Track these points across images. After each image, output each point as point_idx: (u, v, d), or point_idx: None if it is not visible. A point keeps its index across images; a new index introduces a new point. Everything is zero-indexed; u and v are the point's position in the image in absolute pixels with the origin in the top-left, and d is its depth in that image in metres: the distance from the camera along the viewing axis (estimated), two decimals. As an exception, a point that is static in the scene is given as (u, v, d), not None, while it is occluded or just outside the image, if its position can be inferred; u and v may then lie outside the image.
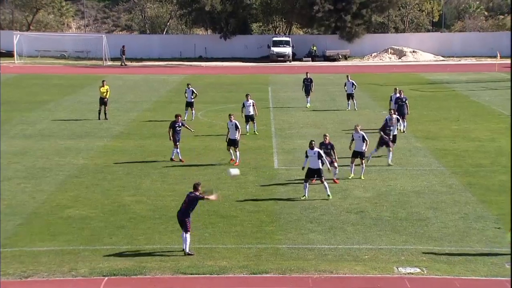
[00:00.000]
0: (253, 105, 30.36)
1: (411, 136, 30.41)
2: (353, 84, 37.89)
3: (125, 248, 16.61)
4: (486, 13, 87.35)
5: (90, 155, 26.64)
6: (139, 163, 25.30)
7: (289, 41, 73.94)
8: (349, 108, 37.89)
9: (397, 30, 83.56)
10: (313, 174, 20.50)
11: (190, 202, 16.27)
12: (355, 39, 76.69)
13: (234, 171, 19.55)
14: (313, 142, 20.68)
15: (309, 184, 20.73)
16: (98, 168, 24.46)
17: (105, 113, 34.93)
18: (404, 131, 30.87)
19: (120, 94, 44.16)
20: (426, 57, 76.05)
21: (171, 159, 25.47)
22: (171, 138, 25.47)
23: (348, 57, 76.64)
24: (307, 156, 20.67)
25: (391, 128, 25.05)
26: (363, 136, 22.76)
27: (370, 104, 39.73)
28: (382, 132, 24.75)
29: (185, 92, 35.34)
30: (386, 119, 25.35)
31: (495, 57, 62.64)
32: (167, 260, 15.84)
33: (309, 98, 39.37)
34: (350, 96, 38.07)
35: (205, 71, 63.90)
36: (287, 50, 73.11)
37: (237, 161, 24.96)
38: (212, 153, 27.12)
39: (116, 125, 33.56)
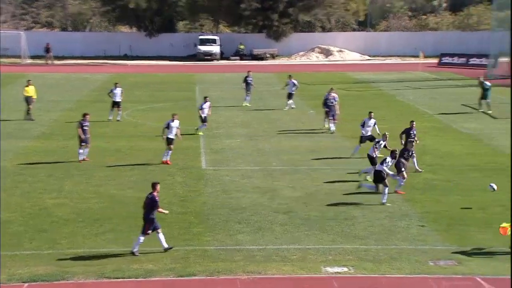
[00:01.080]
0: (209, 107, 30.79)
1: (338, 136, 30.86)
2: (294, 84, 38.31)
3: (47, 252, 16.25)
4: (409, 13, 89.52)
5: (9, 156, 25.94)
6: (62, 164, 24.79)
7: (216, 39, 73.89)
8: (287, 108, 38.23)
9: (324, 29, 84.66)
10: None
11: (149, 204, 16.26)
12: (283, 38, 77.34)
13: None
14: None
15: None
16: (18, 170, 23.84)
17: (28, 113, 34.21)
18: (332, 131, 31.30)
19: (41, 93, 43.09)
20: (352, 56, 77.37)
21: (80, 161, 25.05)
22: (80, 137, 25.12)
23: (276, 56, 77.16)
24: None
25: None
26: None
27: (298, 103, 40.12)
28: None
29: (110, 91, 34.83)
30: (365, 120, 26.25)
31: (418, 56, 64.31)
32: (91, 264, 15.59)
33: (249, 97, 39.58)
34: (290, 95, 38.44)
35: (131, 69, 63.15)
36: (215, 48, 73.04)
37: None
38: (139, 154, 26.83)
39: (38, 125, 32.78)
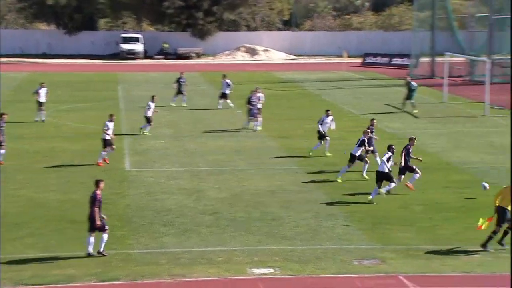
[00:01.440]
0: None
1: (265, 136, 31.02)
2: (228, 84, 38.21)
3: (-38, 260, 15.67)
4: (333, 12, 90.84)
5: None
6: (-22, 168, 23.99)
7: (139, 38, 73.08)
8: (221, 107, 38.16)
9: (249, 28, 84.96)
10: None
11: (90, 202, 16.13)
12: (208, 37, 77.20)
13: None
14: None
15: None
16: None
17: None
18: (255, 130, 31.44)
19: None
20: (278, 56, 77.91)
21: None
22: None
23: (201, 55, 76.96)
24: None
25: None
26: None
27: (224, 103, 40.07)
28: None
29: (35, 91, 33.89)
30: (323, 118, 26.52)
31: (342, 56, 65.36)
32: (7, 271, 15.12)
33: (185, 97, 39.27)
34: (224, 95, 38.35)
35: (50, 68, 61.73)
36: (138, 47, 72.24)
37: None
38: (60, 155, 26.24)
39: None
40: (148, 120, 30.67)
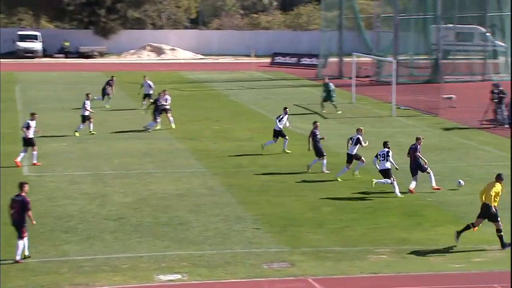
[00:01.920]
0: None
1: (172, 138, 30.86)
2: (150, 85, 37.99)
3: None
4: (241, 11, 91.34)
5: None
6: None
7: (37, 35, 71.14)
8: (145, 107, 37.68)
9: (155, 26, 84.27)
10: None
11: (20, 206, 15.86)
12: (111, 35, 76.05)
13: None
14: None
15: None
16: None
17: None
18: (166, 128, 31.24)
19: None
20: (185, 55, 77.63)
21: None
22: None
23: (105, 54, 75.74)
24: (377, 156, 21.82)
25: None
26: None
27: (130, 104, 39.63)
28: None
29: None
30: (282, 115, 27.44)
31: (250, 56, 65.81)
32: None
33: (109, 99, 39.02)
34: (147, 96, 37.80)
35: None
36: (36, 45, 70.32)
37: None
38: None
39: None
40: (84, 119, 30.72)
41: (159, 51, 77.71)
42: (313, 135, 24.58)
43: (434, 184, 22.13)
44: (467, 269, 15.61)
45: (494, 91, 33.17)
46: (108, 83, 39.43)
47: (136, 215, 19.52)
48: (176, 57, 76.92)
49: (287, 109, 28.46)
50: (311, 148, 24.58)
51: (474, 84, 48.93)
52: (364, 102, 42.17)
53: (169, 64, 69.73)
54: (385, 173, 21.86)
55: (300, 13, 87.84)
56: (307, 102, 40.16)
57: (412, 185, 21.84)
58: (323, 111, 37.57)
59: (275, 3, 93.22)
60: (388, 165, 21.81)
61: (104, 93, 39.00)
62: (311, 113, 37.93)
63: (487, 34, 55.73)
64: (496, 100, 33.12)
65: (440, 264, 15.92)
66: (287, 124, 27.94)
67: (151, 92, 37.93)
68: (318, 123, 25.20)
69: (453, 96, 39.88)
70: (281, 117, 27.91)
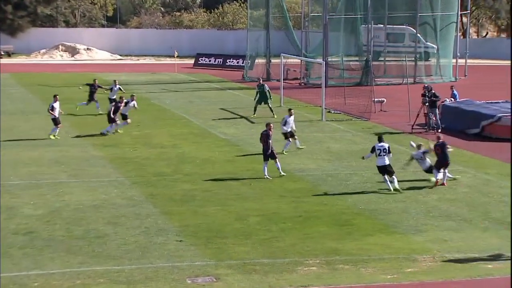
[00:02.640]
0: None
1: (88, 144, 30.45)
2: (121, 88, 38.73)
3: None
4: (162, 9, 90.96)
5: None
6: None
7: None
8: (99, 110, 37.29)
9: (68, 24, 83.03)
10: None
11: None
12: (19, 34, 74.57)
13: None
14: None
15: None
16: None
17: None
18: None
19: None
20: (102, 56, 76.85)
21: None
22: None
23: (12, 53, 74.23)
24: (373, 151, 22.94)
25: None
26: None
27: (41, 108, 38.90)
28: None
29: None
30: (286, 118, 28.81)
31: (173, 56, 65.70)
32: None
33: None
34: (112, 101, 37.45)
35: None
36: None
37: None
38: None
39: None
40: (56, 122, 30.91)
41: (73, 51, 76.66)
42: (266, 137, 24.82)
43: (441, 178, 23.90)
44: (398, 280, 15.95)
45: (426, 94, 33.95)
46: (93, 87, 38.73)
47: (47, 228, 19.16)
48: (91, 58, 76.02)
49: (292, 110, 29.59)
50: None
51: (405, 86, 50.15)
52: (293, 105, 42.64)
53: (84, 65, 68.85)
54: (385, 169, 22.83)
55: (225, 11, 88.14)
56: (233, 106, 40.31)
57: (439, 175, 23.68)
58: (253, 116, 37.72)
59: (198, 1, 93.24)
60: (387, 161, 22.84)
61: (92, 98, 38.43)
62: (237, 117, 38.08)
63: (418, 34, 57.23)
64: (427, 104, 33.92)
65: (371, 275, 16.21)
66: (294, 126, 29.10)
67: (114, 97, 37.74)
68: (271, 124, 25.53)
69: (383, 99, 40.74)
70: (285, 120, 28.84)
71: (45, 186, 23.47)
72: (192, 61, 71.57)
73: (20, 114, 37.96)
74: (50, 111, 31.31)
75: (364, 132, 34.14)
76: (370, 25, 54.48)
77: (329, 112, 39.28)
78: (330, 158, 28.34)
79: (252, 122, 36.66)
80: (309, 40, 58.11)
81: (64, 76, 58.35)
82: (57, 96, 31.67)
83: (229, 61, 69.61)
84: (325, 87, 38.59)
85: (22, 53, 74.22)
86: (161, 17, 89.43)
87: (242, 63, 65.01)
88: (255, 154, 28.76)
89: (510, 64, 52.86)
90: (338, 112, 39.77)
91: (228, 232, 19.14)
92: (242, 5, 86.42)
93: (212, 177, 24.94)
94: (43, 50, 76.02)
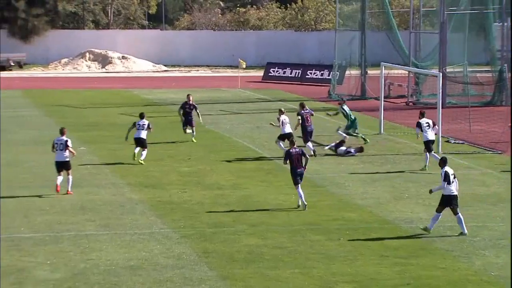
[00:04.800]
0: None
1: (122, 184, 30.88)
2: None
3: None
4: (222, 3, 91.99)
5: None
6: None
7: None
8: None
9: (97, 25, 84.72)
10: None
11: None
12: (34, 38, 76.47)
13: None
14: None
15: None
16: None
17: None
18: None
19: None
20: (141, 66, 78.13)
21: None
22: None
23: (24, 64, 76.04)
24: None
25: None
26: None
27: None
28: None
29: None
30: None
31: (238, 67, 66.22)
32: None
33: None
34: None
35: None
36: None
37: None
38: None
39: None
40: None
41: (103, 61, 78.22)
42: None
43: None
44: None
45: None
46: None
47: (70, 297, 19.50)
48: (128, 69, 77.39)
49: (283, 109, 35.56)
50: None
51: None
52: (397, 132, 42.43)
53: (118, 79, 70.06)
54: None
55: (305, 6, 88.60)
56: (316, 134, 40.28)
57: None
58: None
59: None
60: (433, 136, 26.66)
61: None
62: (326, 151, 38.02)
63: None
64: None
65: None
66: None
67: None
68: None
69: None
70: (282, 121, 34.36)
71: (66, 240, 23.85)
72: (260, 73, 72.10)
73: (33, 144, 38.77)
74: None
75: (496, 169, 33.71)
76: (506, 23, 53.83)
77: (447, 142, 38.93)
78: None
79: (341, 155, 36.62)
80: (419, 44, 57.77)
81: (90, 94, 59.48)
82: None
83: (310, 73, 69.91)
84: (442, 108, 38.30)
85: (37, 64, 76.02)
86: (220, 15, 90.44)
87: (328, 75, 65.13)
88: (345, 199, 28.69)
89: (510, 67, 52.24)
90: (461, 142, 39.41)
91: (308, 304, 19.13)
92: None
93: (287, 229, 24.96)
94: (65, 60, 77.73)
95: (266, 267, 21.59)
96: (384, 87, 45.06)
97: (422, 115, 34.27)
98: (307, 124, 36.24)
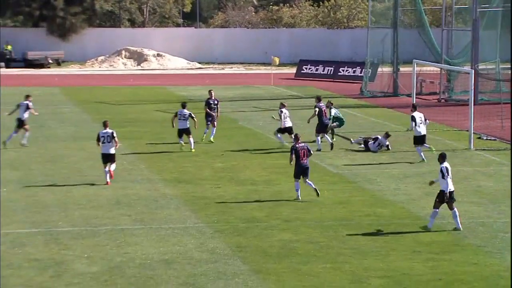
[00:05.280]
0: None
1: (157, 179, 31.00)
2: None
3: None
4: (255, 2, 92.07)
5: None
6: None
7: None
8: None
9: (133, 23, 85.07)
10: None
11: None
12: (72, 36, 76.89)
13: None
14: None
15: None
16: None
17: None
18: None
19: None
20: (176, 63, 78.36)
21: None
22: None
23: (63, 61, 76.50)
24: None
25: None
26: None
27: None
28: None
29: None
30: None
31: (270, 64, 66.28)
32: None
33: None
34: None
35: None
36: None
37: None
38: None
39: None
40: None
41: (139, 58, 78.54)
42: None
43: None
44: None
45: None
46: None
47: (106, 290, 19.59)
48: (163, 66, 77.66)
49: (286, 103, 37.50)
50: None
51: None
52: (429, 129, 42.25)
53: (153, 76, 70.31)
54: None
55: (338, 4, 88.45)
56: (348, 130, 40.21)
57: None
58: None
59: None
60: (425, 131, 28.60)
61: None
62: (352, 145, 37.99)
63: None
64: None
65: None
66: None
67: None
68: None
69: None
70: (284, 114, 36.08)
71: (103, 234, 23.99)
72: (293, 70, 72.09)
73: (72, 140, 39.00)
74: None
75: (527, 165, 33.48)
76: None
77: (479, 138, 38.73)
78: (481, 200, 27.91)
79: (374, 152, 36.54)
80: (452, 41, 57.47)
81: (126, 91, 59.74)
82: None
83: (343, 70, 69.82)
84: (474, 104, 38.12)
85: (75, 61, 76.37)
86: (253, 13, 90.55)
87: (361, 72, 65.03)
88: (377, 194, 28.63)
89: (510, 66, 51.92)
90: (493, 138, 39.19)
91: (342, 300, 19.10)
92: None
93: (319, 224, 24.94)
94: (102, 57, 78.10)
95: (299, 262, 21.60)
96: (416, 84, 44.85)
97: (414, 108, 35.28)
98: (324, 117, 37.01)
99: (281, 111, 37.06)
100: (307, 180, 27.61)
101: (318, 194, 27.41)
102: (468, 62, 52.46)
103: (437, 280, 20.27)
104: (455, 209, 24.11)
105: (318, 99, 37.92)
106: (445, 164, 24.45)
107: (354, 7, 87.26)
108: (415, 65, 44.70)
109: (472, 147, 36.90)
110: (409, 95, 46.44)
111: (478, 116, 38.96)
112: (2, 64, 72.68)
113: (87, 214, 26.22)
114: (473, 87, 39.14)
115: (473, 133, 37.54)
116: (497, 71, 54.21)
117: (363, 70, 62.48)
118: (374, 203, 27.51)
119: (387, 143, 36.59)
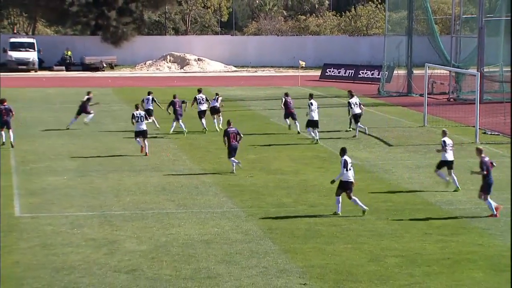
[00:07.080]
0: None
1: (198, 169, 31.07)
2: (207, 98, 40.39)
3: None
4: (285, 12, 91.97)
5: None
6: None
7: (33, 43, 72.53)
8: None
9: (177, 31, 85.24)
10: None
11: None
12: (123, 43, 77.20)
13: None
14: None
15: None
16: None
17: None
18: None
19: None
20: (214, 67, 78.45)
21: None
22: None
23: (115, 65, 76.86)
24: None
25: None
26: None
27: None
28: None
29: None
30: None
31: (298, 67, 66.20)
32: None
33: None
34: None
35: None
36: (32, 55, 71.69)
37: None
38: None
39: None
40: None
41: (182, 62, 78.68)
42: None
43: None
44: None
45: None
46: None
47: (153, 266, 19.66)
48: (203, 70, 77.76)
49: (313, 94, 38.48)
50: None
51: None
52: (439, 125, 42.01)
53: (194, 78, 70.42)
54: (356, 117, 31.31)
55: (358, 14, 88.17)
56: (366, 126, 40.08)
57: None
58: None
59: (326, 3, 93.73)
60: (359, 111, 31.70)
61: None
62: (372, 139, 37.86)
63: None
64: None
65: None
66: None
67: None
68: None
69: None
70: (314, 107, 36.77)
71: (150, 217, 24.10)
72: (318, 72, 71.95)
73: (123, 134, 39.21)
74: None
75: (527, 157, 33.19)
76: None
77: (484, 133, 38.48)
78: (485, 188, 27.69)
79: (390, 145, 36.40)
80: (460, 47, 57.16)
81: (171, 91, 59.79)
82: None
83: (362, 73, 69.55)
84: (479, 103, 37.91)
85: (126, 65, 76.64)
86: (283, 22, 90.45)
87: (378, 75, 64.81)
88: (393, 183, 28.53)
89: (510, 68, 51.17)
90: (496, 133, 38.91)
91: (360, 275, 19.05)
92: (378, 6, 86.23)
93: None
94: (149, 62, 78.34)
95: (323, 242, 21.58)
96: (428, 85, 44.62)
97: (351, 94, 37.88)
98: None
99: (311, 103, 37.17)
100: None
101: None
102: (474, 65, 52.12)
103: (446, 259, 20.19)
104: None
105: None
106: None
107: (372, 16, 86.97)
108: (427, 68, 44.55)
109: (477, 141, 36.64)
110: (421, 95, 46.21)
111: (483, 114, 38.69)
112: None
113: (137, 199, 26.34)
114: (479, 88, 39.01)
115: (479, 128, 37.33)
116: (501, 73, 53.86)
117: (381, 72, 62.32)
118: (390, 191, 27.43)
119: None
